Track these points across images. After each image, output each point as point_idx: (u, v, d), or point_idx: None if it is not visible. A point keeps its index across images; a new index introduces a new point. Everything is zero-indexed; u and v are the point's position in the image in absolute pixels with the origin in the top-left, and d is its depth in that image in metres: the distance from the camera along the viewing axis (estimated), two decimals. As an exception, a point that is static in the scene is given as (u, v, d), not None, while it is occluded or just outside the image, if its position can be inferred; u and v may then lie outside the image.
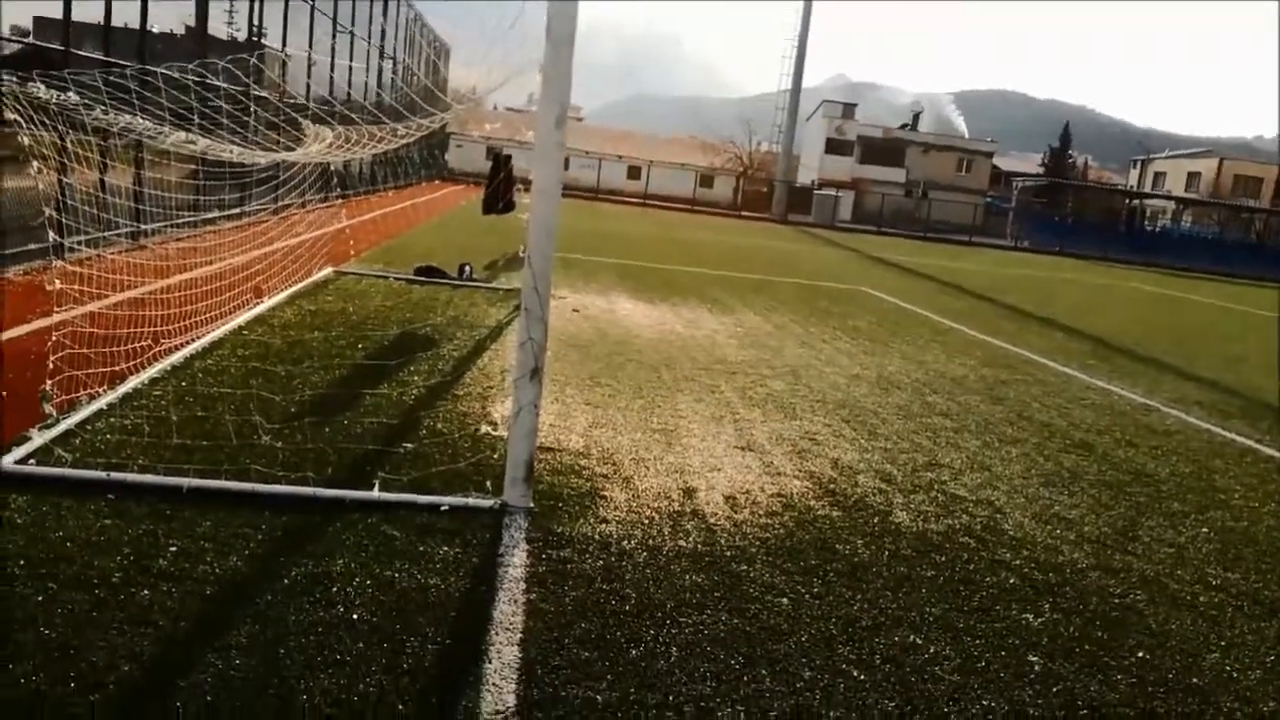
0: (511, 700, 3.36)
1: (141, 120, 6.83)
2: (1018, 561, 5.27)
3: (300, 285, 11.07)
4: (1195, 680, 4.14)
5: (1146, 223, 73.10)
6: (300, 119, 12.20)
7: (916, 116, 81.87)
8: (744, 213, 59.23)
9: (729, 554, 4.93)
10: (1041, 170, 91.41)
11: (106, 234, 10.75)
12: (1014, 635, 4.36)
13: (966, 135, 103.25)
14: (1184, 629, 4.66)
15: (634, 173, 62.39)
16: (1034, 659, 4.15)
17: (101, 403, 5.92)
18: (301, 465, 5.27)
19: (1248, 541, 6.13)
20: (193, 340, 7.65)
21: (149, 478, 4.85)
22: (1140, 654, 4.33)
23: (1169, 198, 74.34)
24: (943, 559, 5.18)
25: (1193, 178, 77.89)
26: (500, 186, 12.68)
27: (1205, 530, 6.24)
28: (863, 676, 3.82)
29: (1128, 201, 74.10)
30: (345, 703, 3.23)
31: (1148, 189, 79.97)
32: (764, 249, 30.54)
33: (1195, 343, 17.97)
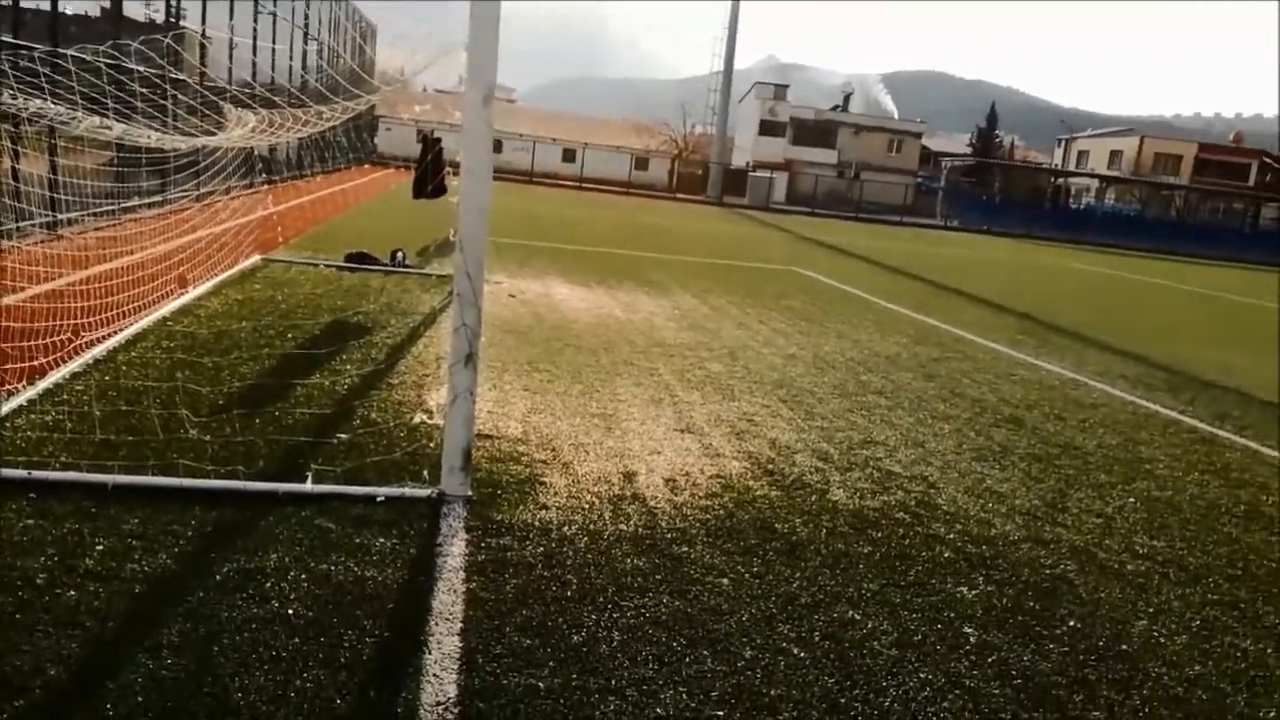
0: (453, 690, 3.32)
1: (53, 105, 6.58)
2: (952, 535, 5.36)
3: (227, 274, 10.80)
4: (1125, 647, 4.25)
5: (1071, 200, 74.96)
6: (221, 103, 11.87)
7: (847, 98, 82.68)
8: (679, 195, 59.31)
9: (669, 536, 4.93)
10: (970, 150, 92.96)
11: (20, 224, 10.37)
12: (949, 608, 4.43)
13: (896, 116, 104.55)
14: (1113, 597, 4.79)
15: (569, 155, 62.03)
16: (969, 630, 4.23)
17: (21, 399, 5.70)
18: (231, 459, 5.15)
19: (1173, 510, 6.31)
20: (115, 333, 7.42)
21: (72, 475, 4.70)
22: (1071, 623, 4.43)
23: (1092, 175, 76.24)
24: (879, 535, 5.25)
25: (1115, 155, 79.89)
26: (430, 169, 12.48)
27: (1132, 500, 6.42)
28: (803, 654, 3.86)
29: (1052, 180, 75.85)
30: (281, 699, 3.16)
31: (1072, 167, 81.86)
32: (700, 231, 30.62)
33: (1120, 318, 18.47)
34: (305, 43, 29.56)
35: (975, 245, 42.02)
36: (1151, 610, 4.68)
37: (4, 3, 11.75)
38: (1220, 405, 10.12)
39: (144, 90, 9.42)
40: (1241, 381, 11.80)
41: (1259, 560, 5.54)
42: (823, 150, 70.35)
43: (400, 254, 13.36)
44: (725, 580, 4.48)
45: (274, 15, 25.22)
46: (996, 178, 72.99)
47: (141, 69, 12.65)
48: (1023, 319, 15.95)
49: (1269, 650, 4.38)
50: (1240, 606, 4.84)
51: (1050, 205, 70.16)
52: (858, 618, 4.23)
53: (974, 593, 4.64)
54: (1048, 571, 5.01)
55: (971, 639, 4.15)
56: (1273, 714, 3.80)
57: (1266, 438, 8.76)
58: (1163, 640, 4.36)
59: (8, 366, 5.71)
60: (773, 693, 3.55)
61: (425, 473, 5.22)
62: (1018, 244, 48.13)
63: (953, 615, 4.36)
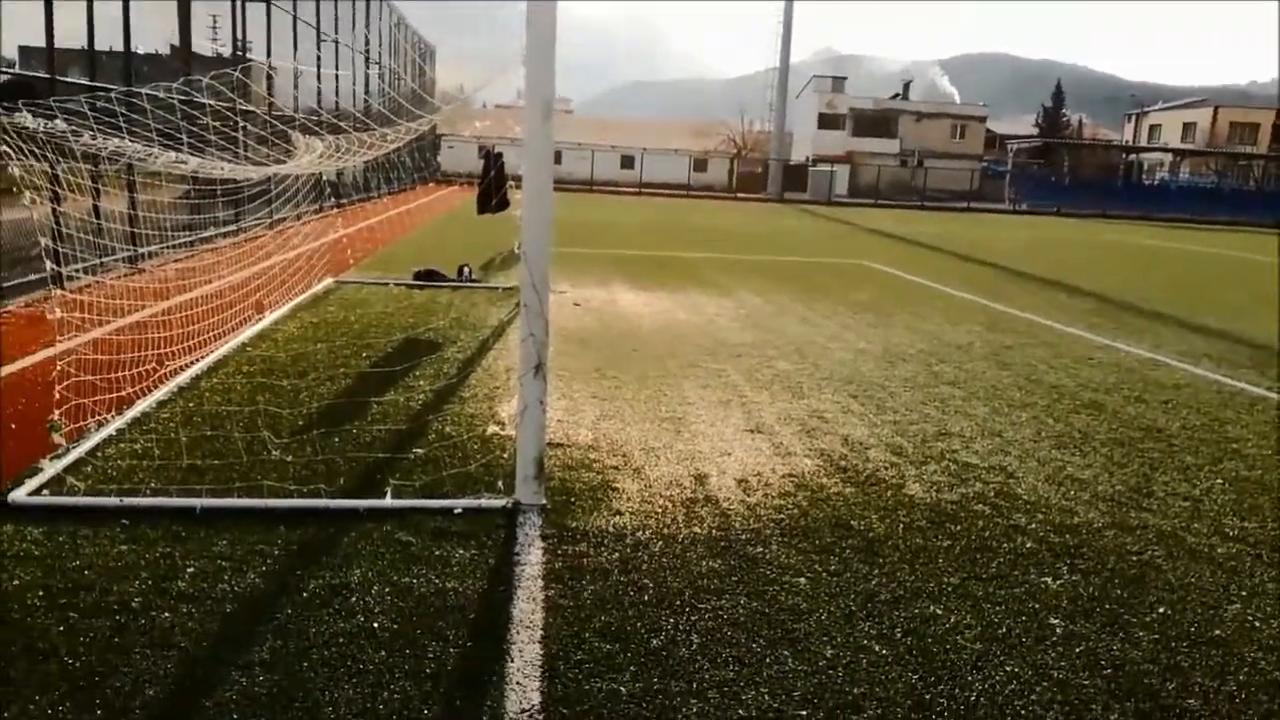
0: (536, 698, 3.37)
1: (130, 143, 6.84)
2: (1033, 525, 5.26)
3: (301, 297, 11.08)
4: (1218, 633, 4.13)
5: (1144, 176, 72.78)
6: (290, 131, 12.19)
7: (907, 86, 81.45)
8: (740, 194, 59.07)
9: (744, 537, 4.93)
10: (1036, 131, 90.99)
11: (104, 260, 10.78)
12: (1033, 599, 4.36)
13: (958, 101, 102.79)
14: (1203, 582, 4.65)
15: (627, 162, 62.18)
16: (1055, 621, 4.15)
17: (110, 429, 5.93)
18: (313, 478, 5.29)
19: (1263, 490, 6.11)
20: (197, 360, 7.67)
21: (162, 500, 4.88)
22: (1161, 609, 4.32)
23: (1165, 150, 73.99)
24: (958, 528, 5.18)
25: (1188, 128, 77.43)
26: (493, 184, 12.66)
27: (1220, 481, 6.23)
28: (884, 651, 3.83)
29: (1124, 156, 73.77)
30: (370, 711, 3.24)
31: (1143, 143, 79.58)
32: (762, 229, 30.49)
33: (1199, 294, 17.90)
34: (367, 67, 30.19)
35: (1046, 227, 41.09)
36: (1244, 594, 4.54)
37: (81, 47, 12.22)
38: (1312, 380, 9.75)
39: (216, 123, 9.73)
40: (1334, 354, 11.35)
41: (1360, 539, 5.33)
42: (884, 140, 69.43)
43: (466, 269, 13.56)
44: (802, 579, 4.47)
45: (336, 42, 25.82)
46: (1065, 158, 71.22)
47: (212, 103, 13.07)
48: (1099, 300, 15.55)
49: (1374, 632, 4.21)
50: (1341, 588, 4.67)
51: (1123, 182, 68.25)
52: (939, 613, 4.18)
53: (1059, 583, 4.55)
54: (1134, 558, 4.89)
55: (1058, 630, 4.08)
56: (1381, 698, 3.66)
57: (1364, 411, 8.42)
58: (1258, 624, 4.23)
59: (97, 398, 5.94)
60: (855, 691, 3.53)
61: (500, 483, 5.30)
62: (1090, 224, 46.94)
63: (1037, 606, 4.29)
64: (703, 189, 60.28)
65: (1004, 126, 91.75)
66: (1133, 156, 74.14)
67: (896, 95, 77.49)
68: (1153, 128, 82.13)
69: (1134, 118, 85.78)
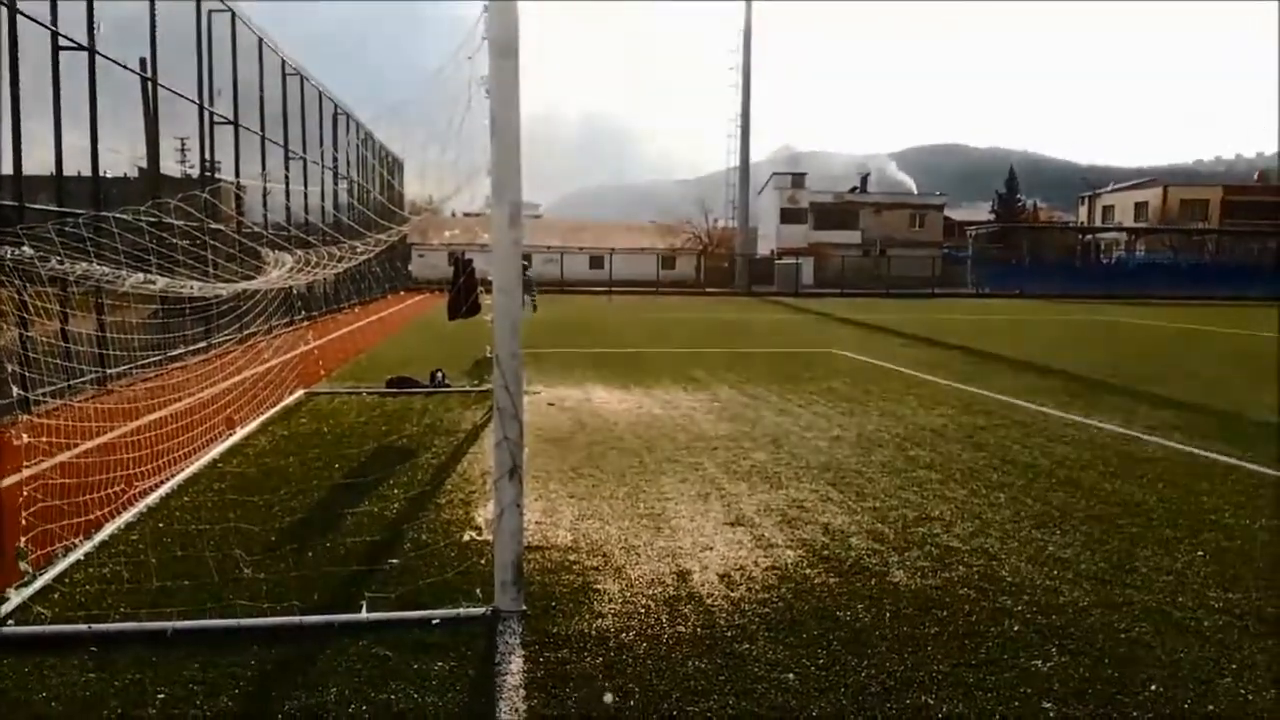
0: (522, 814, 3.25)
1: (98, 266, 6.85)
2: (1019, 607, 5.22)
3: (272, 411, 11.00)
4: (1211, 708, 4.09)
5: (1102, 255, 74.53)
6: (258, 248, 12.28)
7: (864, 179, 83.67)
8: (708, 289, 59.83)
9: (729, 634, 4.85)
10: (992, 217, 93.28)
11: (72, 382, 10.68)
12: (1025, 684, 4.29)
13: (915, 191, 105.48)
14: (1193, 656, 4.61)
15: (596, 262, 62.97)
16: (1048, 705, 4.08)
17: (78, 553, 5.80)
18: (287, 594, 5.17)
19: (1244, 560, 6.12)
20: (167, 479, 7.56)
21: (131, 625, 4.75)
22: (1153, 687, 4.27)
23: (1120, 229, 75.93)
24: (944, 614, 5.12)
25: (1140, 207, 79.65)
26: (462, 290, 12.76)
27: (1201, 553, 6.23)
28: (878, 745, 3.74)
29: (1081, 237, 75.62)
30: (350, 838, 3.11)
31: (1098, 223, 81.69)
32: (732, 322, 30.78)
33: (1167, 368, 18.16)
34: (335, 183, 30.62)
35: (1010, 310, 41.78)
36: (1235, 666, 4.50)
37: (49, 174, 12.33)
38: (1282, 447, 9.85)
39: (184, 243, 9.78)
40: (1301, 420, 11.50)
41: (1344, 605, 5.32)
42: (846, 232, 70.92)
43: (440, 374, 13.56)
44: (791, 675, 4.39)
45: (304, 160, 26.23)
46: (1024, 241, 72.93)
47: (180, 223, 13.17)
48: (1067, 378, 15.74)
49: (1368, 699, 4.18)
50: (1331, 655, 4.64)
51: (1081, 262, 69.82)
52: (931, 702, 4.11)
53: (1049, 665, 4.49)
54: (1123, 636, 4.85)
55: (1051, 713, 4.01)
56: (1381, 768, 3.61)
57: (1335, 476, 8.49)
58: (1250, 697, 4.18)
59: (65, 522, 5.83)
60: (850, 789, 3.44)
61: (478, 590, 5.21)
62: (1053, 304, 47.78)
63: (1029, 691, 4.22)
64: (672, 285, 61.01)
65: (961, 214, 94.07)
66: (1089, 237, 76.02)
67: (855, 188, 79.49)
68: (1106, 208, 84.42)
69: (1087, 199, 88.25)
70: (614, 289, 56.51)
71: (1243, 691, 4.24)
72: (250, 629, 4.73)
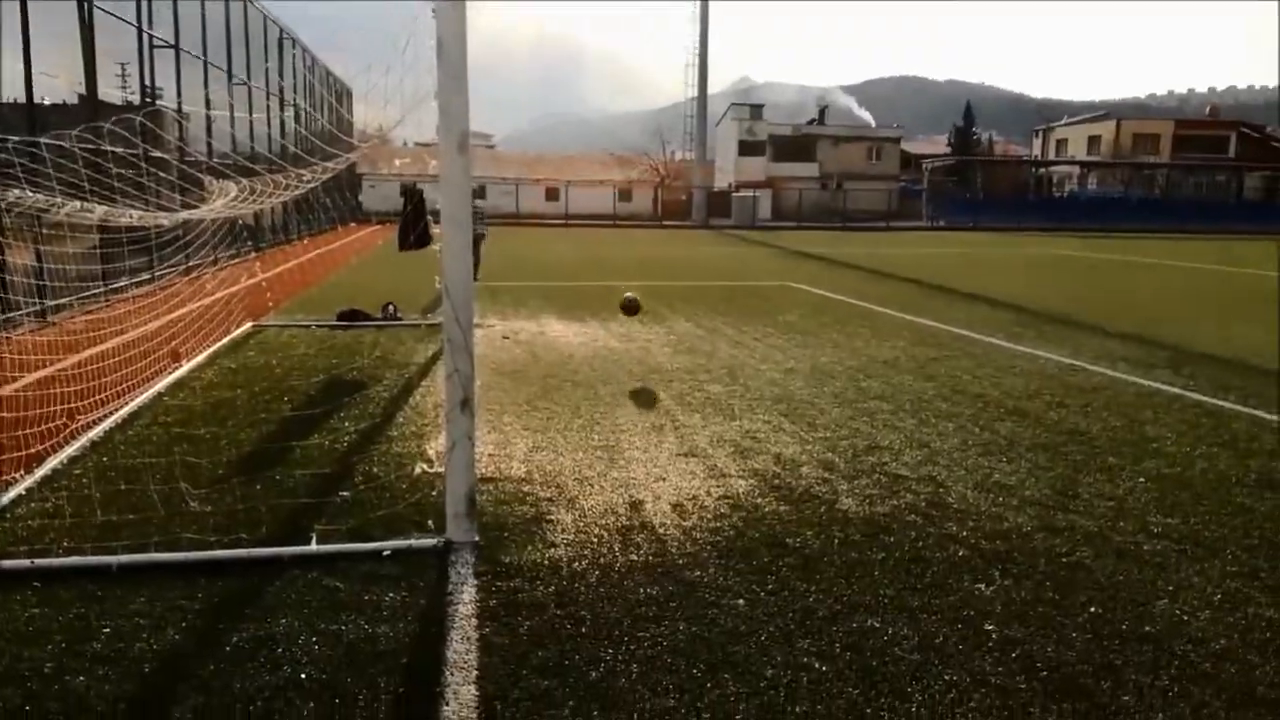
0: (473, 740, 3.28)
1: (31, 193, 6.60)
2: (965, 533, 5.32)
3: (219, 344, 10.81)
4: (1148, 629, 4.20)
5: (1055, 189, 75.12)
6: (201, 176, 11.93)
7: (823, 111, 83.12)
8: (665, 222, 59.52)
9: (681, 562, 4.89)
10: (949, 150, 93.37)
11: (10, 315, 10.39)
12: (968, 607, 4.39)
13: (873, 124, 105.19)
14: (1132, 580, 4.74)
15: (552, 194, 62.27)
16: (990, 627, 4.18)
17: (20, 488, 5.68)
18: (234, 528, 5.11)
19: (1184, 486, 6.27)
20: (111, 413, 7.41)
21: (75, 560, 4.67)
22: (1092, 609, 4.38)
23: (1072, 162, 76.48)
24: (892, 540, 5.21)
25: (1093, 141, 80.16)
26: (411, 220, 12.53)
27: (1142, 480, 6.38)
28: (824, 667, 3.81)
29: (1034, 171, 76.04)
30: (300, 766, 3.12)
31: (1052, 156, 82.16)
32: (689, 256, 30.69)
33: (1114, 300, 18.45)
34: (281, 110, 29.79)
35: (963, 243, 42.08)
36: (1172, 589, 4.63)
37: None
38: (1222, 376, 10.08)
39: (121, 171, 9.46)
40: (1240, 351, 11.77)
41: (1275, 528, 5.49)
42: (803, 164, 70.63)
43: (391, 307, 13.38)
44: (741, 601, 4.44)
45: (248, 86, 25.45)
46: (978, 174, 73.17)
47: (119, 150, 12.74)
48: (1017, 311, 15.94)
49: (1295, 618, 4.32)
50: (1260, 576, 4.79)
51: (1034, 196, 70.32)
52: (877, 625, 4.19)
53: (992, 589, 4.59)
54: (1064, 560, 4.97)
55: (993, 636, 4.11)
56: (1305, 682, 3.74)
57: (1270, 405, 8.72)
58: (1186, 618, 4.31)
59: (5, 457, 5.70)
60: (797, 710, 3.51)
61: (430, 522, 5.19)
62: (1005, 237, 48.20)
63: (972, 614, 4.32)
64: (628, 218, 60.56)
65: (918, 147, 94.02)
66: (1042, 170, 76.48)
67: (813, 121, 79.01)
68: (1060, 141, 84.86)
69: (1041, 133, 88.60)
70: (570, 222, 56.02)
71: (1179, 613, 4.37)
72: (197, 563, 4.68)
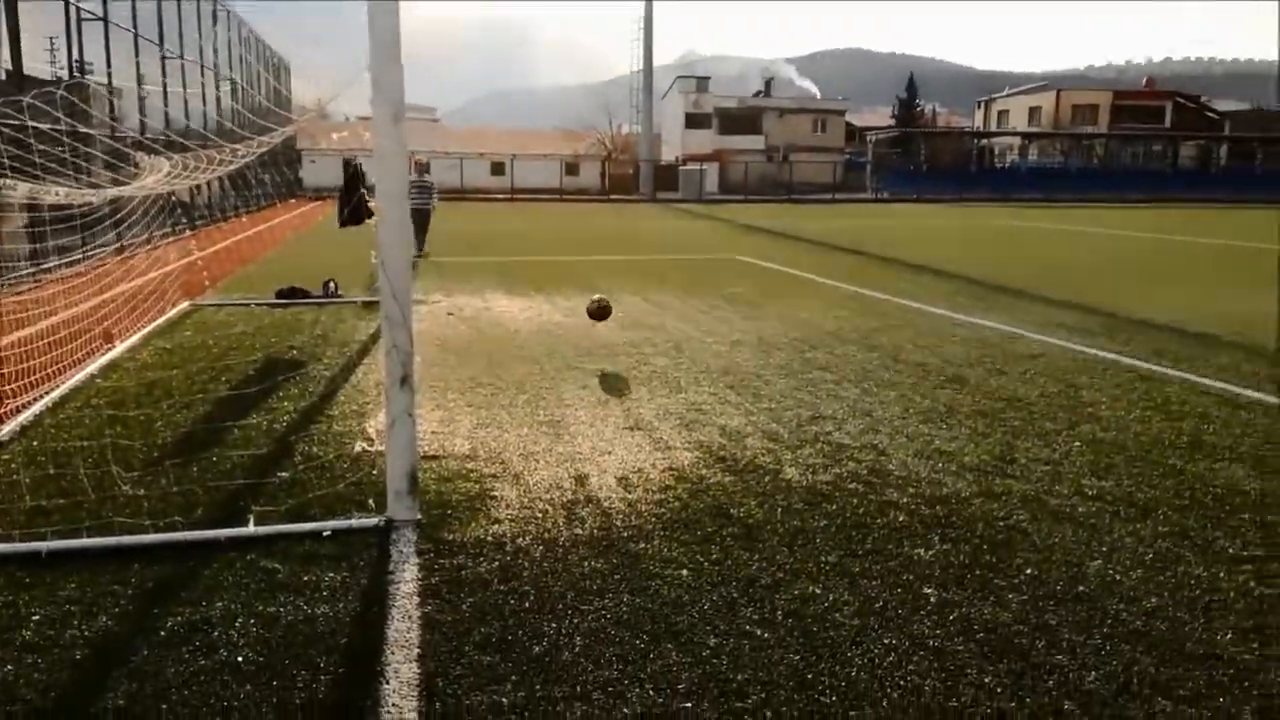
0: (413, 718, 3.25)
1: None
2: (905, 499, 5.39)
3: (155, 324, 10.56)
4: (1082, 588, 4.29)
5: (996, 160, 76.11)
6: (132, 152, 11.60)
7: (768, 83, 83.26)
8: (613, 196, 59.30)
9: (626, 534, 4.89)
10: (893, 122, 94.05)
11: (-68, 297, 10.03)
12: (908, 571, 4.45)
13: (818, 96, 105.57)
14: (1066, 541, 4.83)
15: (498, 169, 61.63)
16: (929, 591, 4.24)
17: (-57, 476, 5.51)
18: (169, 511, 5.00)
19: (1118, 449, 6.40)
20: (40, 396, 7.20)
21: (3, 546, 4.54)
22: (1029, 571, 4.47)
23: (1013, 134, 77.51)
24: (833, 508, 5.26)
25: (1034, 112, 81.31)
26: (350, 196, 12.31)
27: (1078, 444, 6.50)
28: (766, 635, 3.84)
29: (976, 142, 76.94)
30: (236, 750, 3.07)
31: (994, 127, 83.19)
32: (636, 229, 30.63)
33: (1053, 269, 18.77)
34: (217, 86, 29.06)
35: (907, 215, 42.52)
36: (1105, 549, 4.73)
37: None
38: (1156, 342, 10.31)
39: (46, 148, 9.15)
40: (1175, 316, 12.04)
41: (1204, 488, 5.63)
42: (750, 137, 70.72)
43: (332, 284, 13.17)
44: (684, 571, 4.45)
45: (182, 60, 24.78)
46: (921, 146, 73.91)
47: (44, 126, 12.33)
48: (959, 281, 16.15)
49: (1221, 574, 4.45)
50: (1190, 535, 4.92)
51: (976, 167, 71.20)
52: (818, 592, 4.23)
53: (931, 553, 4.66)
54: (1001, 524, 5.05)
55: (932, 599, 4.17)
56: (1229, 635, 3.85)
57: (1203, 368, 8.94)
58: (1118, 577, 4.41)
59: (-73, 444, 5.51)
60: (739, 678, 3.53)
61: (371, 501, 5.13)
62: (948, 208, 48.79)
63: (912, 578, 4.38)
64: (576, 192, 60.25)
65: (863, 119, 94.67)
66: (984, 142, 77.41)
67: (759, 93, 79.09)
68: (1001, 113, 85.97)
69: (984, 104, 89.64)
70: (516, 196, 55.54)
71: (1111, 572, 4.47)
72: (130, 547, 4.57)
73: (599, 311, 10.22)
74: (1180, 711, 3.30)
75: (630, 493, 5.51)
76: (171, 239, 14.84)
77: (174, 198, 14.16)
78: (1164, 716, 3.28)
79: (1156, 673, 3.57)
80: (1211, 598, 4.20)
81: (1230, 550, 4.72)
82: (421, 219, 19.07)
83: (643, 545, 4.75)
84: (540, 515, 5.15)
